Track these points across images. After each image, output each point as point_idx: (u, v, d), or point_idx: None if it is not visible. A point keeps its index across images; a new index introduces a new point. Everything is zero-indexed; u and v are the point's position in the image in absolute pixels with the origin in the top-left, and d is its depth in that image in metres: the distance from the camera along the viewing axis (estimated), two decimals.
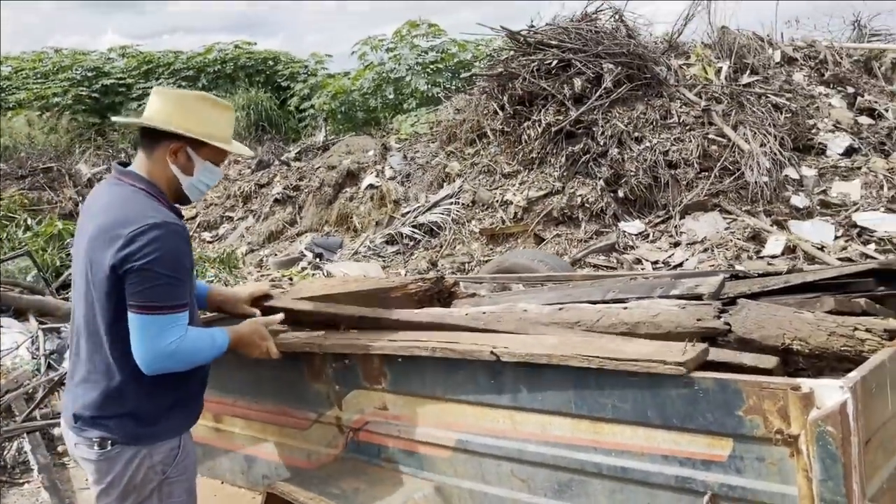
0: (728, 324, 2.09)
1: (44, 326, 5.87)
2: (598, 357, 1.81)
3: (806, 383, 1.52)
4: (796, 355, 1.98)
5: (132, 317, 2.01)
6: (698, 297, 2.43)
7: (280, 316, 2.46)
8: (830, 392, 1.48)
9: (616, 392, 1.80)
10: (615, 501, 1.83)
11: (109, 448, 2.09)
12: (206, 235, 12.08)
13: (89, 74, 20.16)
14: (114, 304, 2.04)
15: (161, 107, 2.19)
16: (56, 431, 4.81)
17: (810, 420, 1.48)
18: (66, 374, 5.08)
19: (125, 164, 2.26)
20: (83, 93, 19.48)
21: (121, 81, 20.10)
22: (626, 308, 2.38)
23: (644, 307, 2.33)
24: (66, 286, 7.15)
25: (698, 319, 2.14)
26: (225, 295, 2.62)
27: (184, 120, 2.16)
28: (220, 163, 2.29)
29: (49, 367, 5.44)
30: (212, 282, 7.43)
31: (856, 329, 1.90)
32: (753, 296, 2.43)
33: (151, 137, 2.19)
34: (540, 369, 1.93)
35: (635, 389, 1.76)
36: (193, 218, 12.72)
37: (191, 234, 11.75)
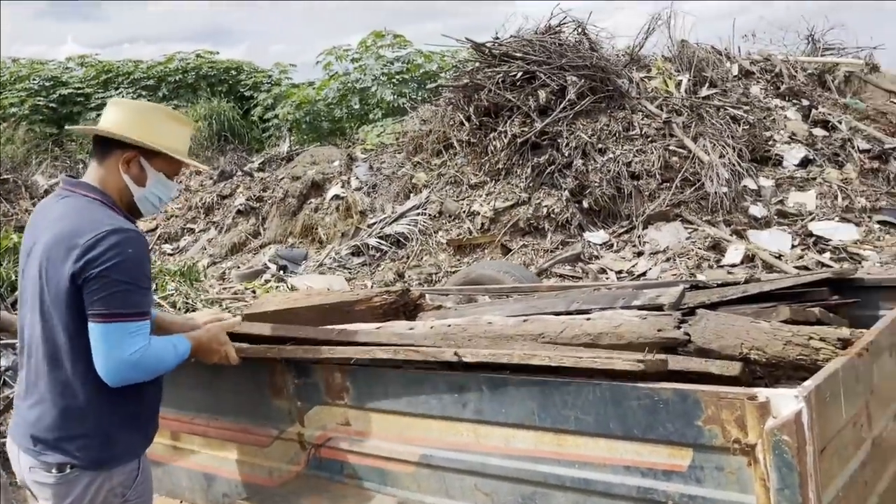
0: (688, 334, 2.12)
1: None
2: (559, 355, 1.83)
3: (762, 393, 1.54)
4: (754, 364, 2.02)
5: (93, 326, 1.96)
6: (659, 308, 2.47)
7: (238, 319, 2.42)
8: (786, 401, 1.51)
9: (579, 404, 1.80)
10: None
11: (68, 472, 2.03)
12: (167, 248, 11.89)
13: (47, 84, 19.75)
14: (74, 317, 1.98)
15: (115, 116, 2.16)
16: None
17: (766, 429, 1.50)
18: None
19: (73, 177, 2.22)
20: (40, 103, 19.07)
21: (79, 91, 19.73)
22: (589, 319, 2.40)
23: (607, 318, 2.36)
24: None
25: (659, 330, 2.17)
26: (176, 322, 2.54)
27: (137, 129, 2.13)
28: (175, 176, 2.26)
29: (4, 384, 5.28)
30: (171, 296, 7.30)
31: (811, 338, 1.95)
32: (712, 306, 2.47)
33: (104, 147, 2.15)
34: (504, 382, 1.94)
35: (598, 401, 1.77)
36: (153, 230, 12.50)
37: (151, 246, 11.58)
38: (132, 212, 2.19)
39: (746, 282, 2.63)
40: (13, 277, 7.19)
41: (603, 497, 1.79)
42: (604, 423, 1.77)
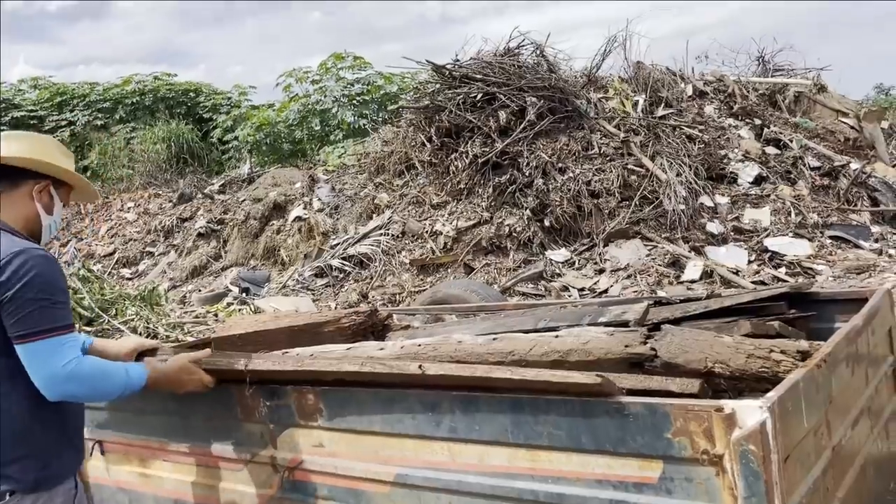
0: (654, 349, 2.18)
1: None
2: (521, 371, 1.88)
3: (728, 404, 1.60)
4: (718, 377, 2.08)
5: (20, 349, 1.98)
6: (625, 324, 2.53)
7: (207, 351, 2.43)
8: (751, 412, 1.56)
9: (550, 419, 1.84)
10: None
11: (8, 499, 2.01)
12: (126, 272, 11.68)
13: None
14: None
15: (21, 147, 2.18)
16: None
17: (733, 440, 1.55)
18: None
19: None
20: None
21: (32, 114, 19.34)
22: (557, 336, 2.44)
23: (575, 335, 2.40)
24: None
25: (626, 346, 2.22)
26: (107, 349, 2.54)
27: (49, 160, 2.19)
28: (67, 204, 2.35)
29: None
30: (132, 320, 7.18)
31: (772, 351, 2.02)
32: (676, 321, 2.54)
33: (12, 177, 2.17)
34: (476, 399, 1.96)
35: (569, 416, 1.81)
36: (111, 254, 12.27)
37: (108, 271, 11.36)
38: (33, 239, 2.21)
39: (708, 297, 2.71)
40: None
41: None
42: (576, 437, 1.80)
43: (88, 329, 6.89)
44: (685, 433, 1.64)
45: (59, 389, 2.01)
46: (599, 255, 7.99)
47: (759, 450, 1.52)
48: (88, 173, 17.57)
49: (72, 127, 18.82)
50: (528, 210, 8.38)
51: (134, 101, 19.24)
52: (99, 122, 18.69)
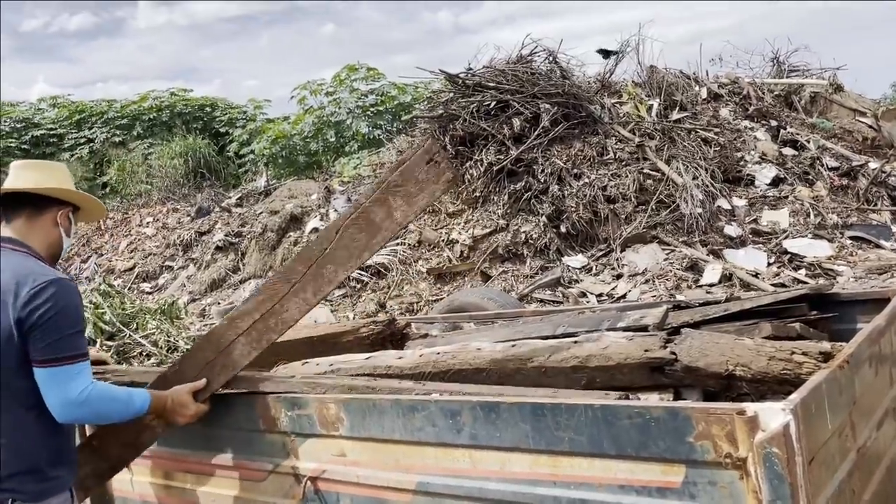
0: (674, 353, 2.17)
1: None
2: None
3: (750, 407, 1.59)
4: (739, 380, 2.07)
5: (40, 372, 2.11)
6: (644, 329, 2.52)
7: (203, 381, 2.48)
8: (774, 415, 1.55)
9: (571, 424, 1.83)
10: None
11: None
12: (146, 286, 11.79)
13: (18, 126, 19.63)
14: (13, 362, 2.11)
15: (43, 176, 2.37)
16: None
17: (756, 443, 1.54)
18: None
19: None
20: (12, 144, 18.93)
21: (52, 132, 19.64)
22: (576, 342, 2.44)
23: (594, 340, 2.40)
24: None
25: (646, 350, 2.22)
26: None
27: (69, 187, 2.41)
28: (76, 224, 2.54)
29: None
30: (153, 334, 7.23)
31: (793, 353, 2.01)
32: (695, 325, 2.53)
33: (36, 204, 2.33)
34: (496, 405, 1.96)
35: (590, 421, 1.80)
36: (131, 269, 12.40)
37: (128, 285, 11.47)
38: (52, 260, 2.38)
39: (727, 300, 2.70)
40: None
41: None
42: (597, 442, 1.80)
43: (110, 343, 6.96)
44: (707, 437, 1.63)
45: (72, 415, 2.16)
46: (617, 260, 7.96)
47: (784, 452, 1.51)
48: (107, 189, 17.80)
49: (90, 144, 19.08)
50: (543, 216, 8.37)
51: (151, 117, 19.47)
52: (117, 139, 18.93)
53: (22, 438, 2.15)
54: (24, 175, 2.37)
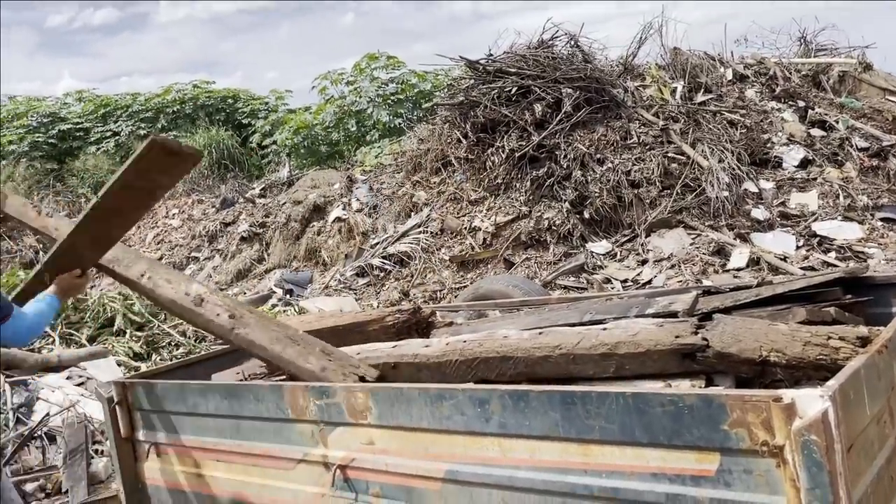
0: (706, 339, 2.14)
1: (10, 380, 5.70)
2: None
3: (787, 394, 1.55)
4: (774, 367, 2.03)
5: None
6: (674, 315, 2.48)
7: (77, 270, 3.13)
8: (811, 401, 1.52)
9: (602, 413, 1.81)
10: None
11: None
12: None
13: (45, 120, 19.87)
14: None
15: None
16: (28, 487, 4.67)
17: (794, 430, 1.51)
18: (36, 427, 4.94)
19: None
20: (39, 139, 19.19)
21: (78, 126, 19.85)
22: (605, 329, 2.41)
23: (623, 327, 2.37)
24: None
25: (676, 336, 2.18)
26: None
27: None
28: None
29: (18, 420, 5.27)
30: (181, 324, 7.30)
31: (829, 338, 1.96)
32: (726, 310, 2.49)
33: None
34: (525, 394, 1.95)
35: (621, 409, 1.78)
36: (159, 260, 12.53)
37: None
38: None
39: (759, 285, 2.65)
40: None
41: None
42: (629, 431, 1.78)
43: (140, 334, 7.05)
44: (743, 424, 1.60)
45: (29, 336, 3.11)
46: (641, 245, 7.88)
47: (822, 440, 1.48)
48: None
49: (116, 137, 19.27)
50: (566, 203, 8.31)
51: (174, 109, 19.60)
52: (142, 132, 19.09)
53: None
54: None
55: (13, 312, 2.92)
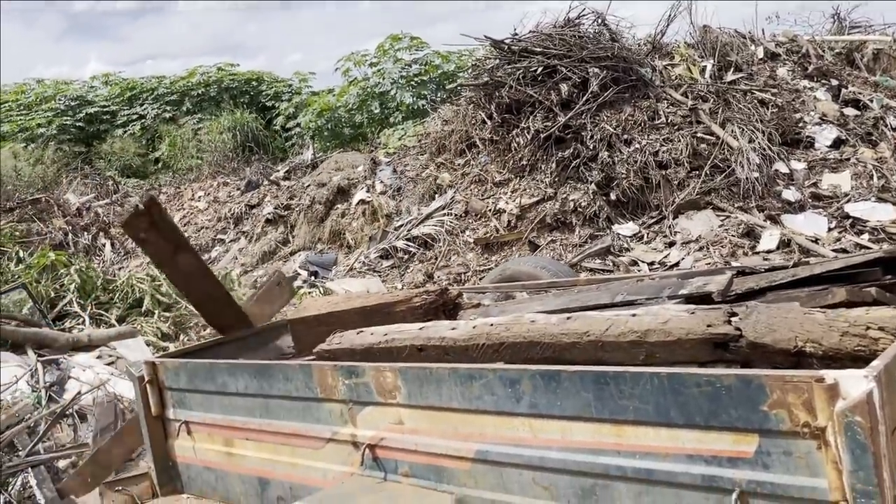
0: (739, 328, 2.08)
1: (43, 359, 5.81)
2: None
3: (830, 374, 1.51)
4: (809, 357, 1.97)
5: None
6: (707, 296, 2.43)
7: None
8: (856, 382, 1.48)
9: (636, 393, 1.78)
10: (642, 503, 1.82)
11: None
12: None
13: (73, 104, 20.11)
14: None
15: None
16: (61, 464, 4.76)
17: (837, 411, 1.47)
18: (68, 405, 5.03)
19: None
20: (67, 122, 19.44)
21: (105, 109, 20.07)
22: (634, 315, 2.37)
23: (653, 314, 2.32)
24: (62, 316, 7.09)
25: (708, 325, 2.12)
26: None
27: None
28: None
29: (50, 399, 5.37)
30: None
31: (868, 328, 1.90)
32: (762, 291, 2.43)
33: None
34: (557, 374, 1.92)
35: (656, 390, 1.75)
36: None
37: None
38: None
39: (795, 265, 2.59)
40: (53, 294, 7.33)
41: (666, 486, 1.76)
42: (664, 411, 1.75)
43: (167, 315, 7.14)
44: (783, 405, 1.56)
45: None
46: (669, 227, 7.78)
47: (867, 421, 1.44)
48: (160, 164, 18.17)
49: (142, 120, 19.45)
50: (593, 184, 8.22)
51: (199, 92, 19.73)
52: (167, 115, 19.26)
53: None
54: None
55: None
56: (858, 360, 1.89)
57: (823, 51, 10.04)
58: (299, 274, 9.63)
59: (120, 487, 3.16)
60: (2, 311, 6.51)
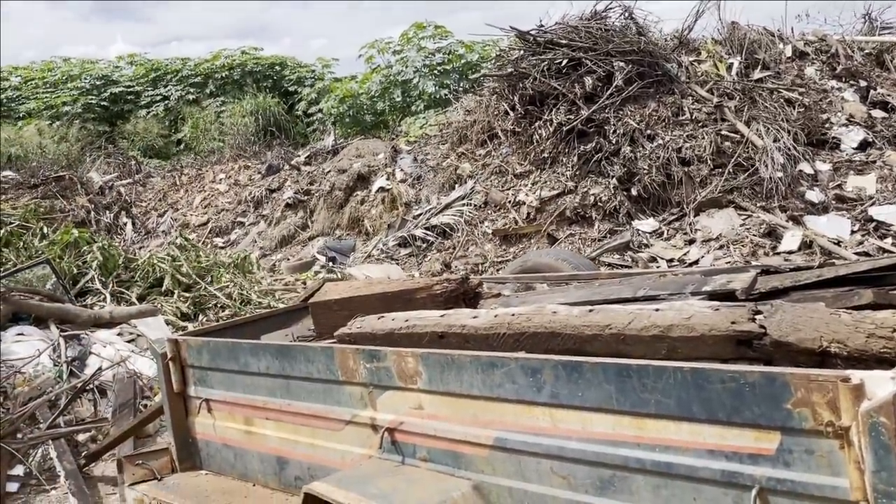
0: (763, 326, 2.08)
1: (65, 334, 5.90)
2: None
3: (856, 374, 1.51)
4: (834, 357, 1.96)
5: None
6: (731, 294, 2.43)
7: None
8: (882, 383, 1.48)
9: (659, 387, 1.79)
10: (660, 497, 1.82)
11: None
12: (218, 241, 12.13)
13: (98, 83, 20.27)
14: None
15: None
16: (81, 437, 4.84)
17: (862, 411, 1.47)
18: (89, 381, 5.10)
19: None
20: (92, 101, 19.60)
21: (129, 89, 20.21)
22: (658, 310, 2.37)
23: (677, 309, 2.32)
24: (84, 293, 7.18)
25: (732, 322, 2.12)
26: None
27: None
28: None
29: (71, 373, 5.46)
30: (227, 287, 7.44)
31: (895, 331, 1.89)
32: (786, 290, 2.42)
33: None
34: (579, 365, 1.93)
35: (679, 384, 1.75)
36: (205, 224, 12.76)
37: (202, 240, 11.83)
38: None
39: (820, 266, 2.57)
40: (75, 271, 7.43)
41: (686, 480, 1.77)
42: (686, 406, 1.75)
43: (187, 295, 7.21)
44: (807, 404, 1.56)
45: None
46: (690, 224, 7.74)
47: (892, 422, 1.44)
48: (182, 146, 18.29)
49: (165, 102, 19.57)
50: (614, 179, 8.19)
51: (223, 75, 19.80)
52: (191, 97, 19.35)
53: None
54: None
55: None
56: (884, 362, 1.88)
57: (853, 51, 9.89)
58: (318, 259, 9.68)
59: (140, 461, 3.21)
60: (26, 285, 6.61)
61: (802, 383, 1.57)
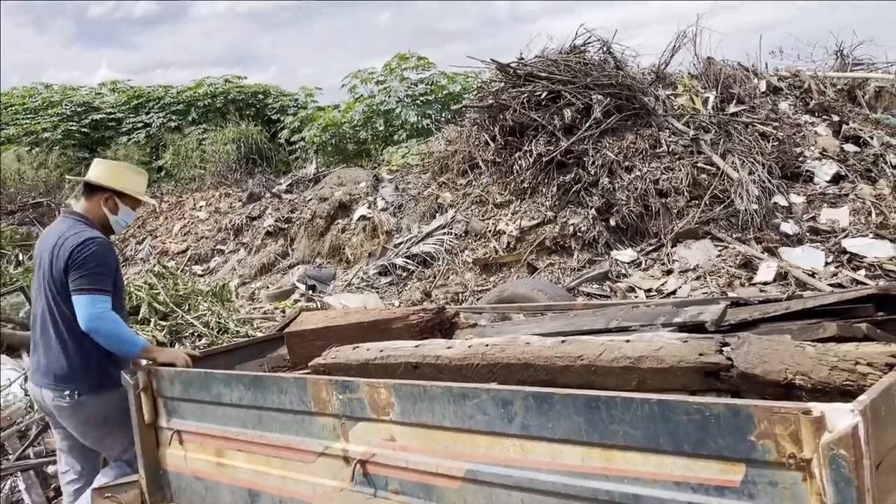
0: (730, 358, 2.11)
1: None
2: None
3: (817, 407, 1.53)
4: (799, 390, 1.99)
5: (75, 297, 3.12)
6: (701, 325, 2.46)
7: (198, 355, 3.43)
8: (841, 415, 1.50)
9: (627, 419, 1.80)
10: None
11: (77, 397, 3.25)
12: (197, 269, 12.05)
13: (79, 109, 20.21)
14: (66, 294, 3.17)
15: (97, 172, 3.47)
16: (50, 469, 4.74)
17: (823, 444, 1.49)
18: None
19: (68, 207, 3.64)
20: (73, 127, 19.51)
21: (111, 116, 20.16)
22: (628, 341, 2.39)
23: (647, 341, 2.35)
24: None
25: (700, 354, 2.15)
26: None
27: (114, 180, 3.42)
28: (136, 207, 3.56)
29: None
30: (204, 315, 7.39)
31: (857, 363, 1.93)
32: (755, 322, 2.46)
33: (91, 190, 3.44)
34: (549, 396, 1.94)
35: (646, 416, 1.77)
36: (184, 252, 12.68)
37: (181, 267, 11.75)
38: (107, 230, 3.45)
39: (789, 298, 2.61)
40: None
41: None
42: (653, 438, 1.76)
43: (164, 323, 7.14)
44: (770, 436, 1.58)
45: (92, 325, 3.09)
46: (667, 255, 7.82)
47: (851, 455, 1.46)
48: (163, 173, 18.22)
49: (147, 129, 19.53)
50: (593, 209, 8.27)
51: (206, 103, 19.82)
52: (173, 124, 19.34)
53: (83, 347, 3.19)
54: (91, 169, 3.48)
55: (105, 297, 3.13)
56: (847, 394, 1.91)
57: (826, 87, 10.14)
58: (298, 287, 9.64)
59: (109, 494, 3.15)
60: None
61: (765, 415, 1.59)
